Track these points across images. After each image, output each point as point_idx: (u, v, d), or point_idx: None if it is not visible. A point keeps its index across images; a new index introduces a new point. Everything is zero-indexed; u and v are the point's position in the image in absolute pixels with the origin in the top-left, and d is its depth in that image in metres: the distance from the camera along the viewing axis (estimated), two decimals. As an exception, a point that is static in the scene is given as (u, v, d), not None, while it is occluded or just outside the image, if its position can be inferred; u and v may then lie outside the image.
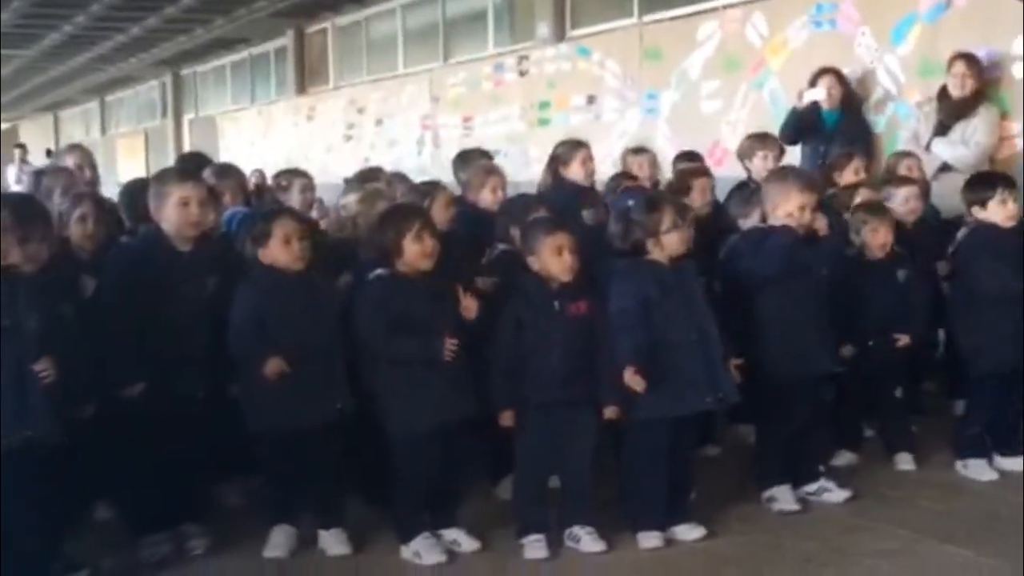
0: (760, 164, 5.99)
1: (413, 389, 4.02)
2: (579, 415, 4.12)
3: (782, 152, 6.33)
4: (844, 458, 5.07)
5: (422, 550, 4.05)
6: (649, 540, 4.14)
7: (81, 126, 31.38)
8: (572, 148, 5.68)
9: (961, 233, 5.03)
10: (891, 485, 4.82)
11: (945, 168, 6.68)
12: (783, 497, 4.52)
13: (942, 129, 6.81)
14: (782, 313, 4.45)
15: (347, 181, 5.76)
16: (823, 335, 4.58)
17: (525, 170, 9.93)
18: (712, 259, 4.74)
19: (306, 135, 16.92)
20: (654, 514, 4.19)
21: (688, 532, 4.21)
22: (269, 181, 7.89)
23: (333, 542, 4.16)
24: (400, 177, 6.01)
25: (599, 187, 5.70)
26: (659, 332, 4.10)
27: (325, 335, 4.11)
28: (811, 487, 4.61)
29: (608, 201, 5.23)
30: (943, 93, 6.90)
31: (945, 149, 6.74)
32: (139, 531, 4.17)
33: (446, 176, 6.28)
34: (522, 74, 11.94)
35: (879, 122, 7.75)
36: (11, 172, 17.56)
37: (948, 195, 6.00)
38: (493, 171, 5.41)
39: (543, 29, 11.79)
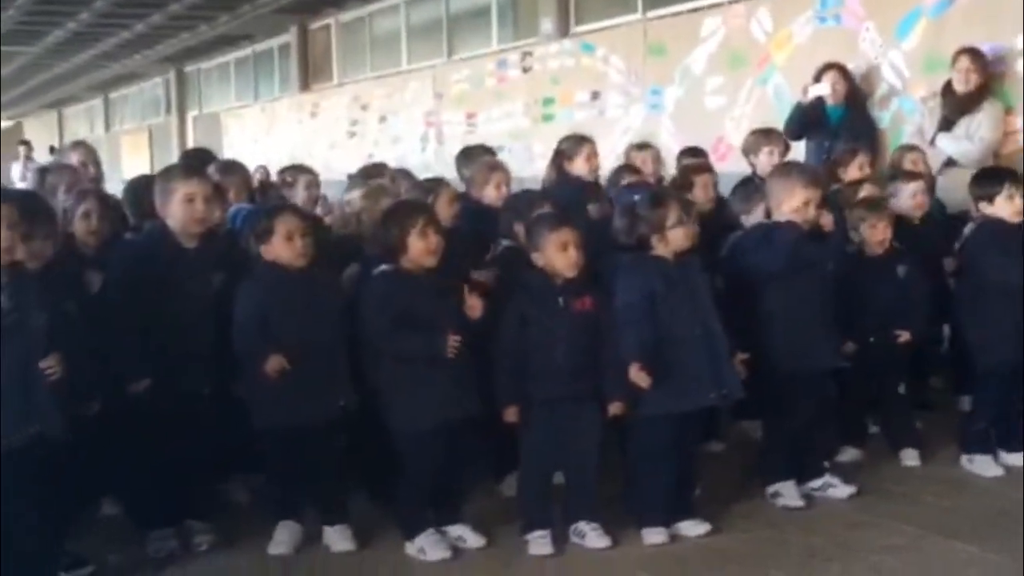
0: (765, 160, 5.99)
1: (417, 386, 4.02)
2: (583, 411, 4.11)
3: (787, 148, 6.32)
4: (848, 454, 5.07)
5: (427, 546, 4.05)
6: (654, 536, 4.14)
7: (85, 123, 31.41)
8: (576, 144, 5.68)
9: (968, 228, 5.02)
10: (896, 481, 4.81)
11: (950, 163, 6.67)
12: (788, 493, 4.51)
13: (946, 124, 6.79)
14: (787, 309, 4.44)
15: (351, 177, 5.74)
16: (828, 330, 4.57)
17: (529, 166, 9.90)
18: (715, 255, 4.73)
19: (310, 132, 16.91)
20: (659, 510, 4.19)
21: (693, 528, 4.21)
22: (273, 177, 7.91)
23: (337, 538, 4.16)
24: (404, 173, 6.00)
25: (603, 183, 5.70)
26: (664, 328, 4.09)
27: (328, 332, 4.11)
28: (816, 483, 4.60)
29: (611, 195, 5.22)
30: (947, 88, 6.89)
31: (949, 144, 6.73)
32: (144, 527, 4.18)
33: (450, 173, 6.28)
34: (526, 70, 11.93)
35: (884, 117, 7.73)
36: (16, 169, 17.61)
37: (953, 190, 6.00)
38: (497, 167, 5.41)
39: (547, 25, 11.78)
